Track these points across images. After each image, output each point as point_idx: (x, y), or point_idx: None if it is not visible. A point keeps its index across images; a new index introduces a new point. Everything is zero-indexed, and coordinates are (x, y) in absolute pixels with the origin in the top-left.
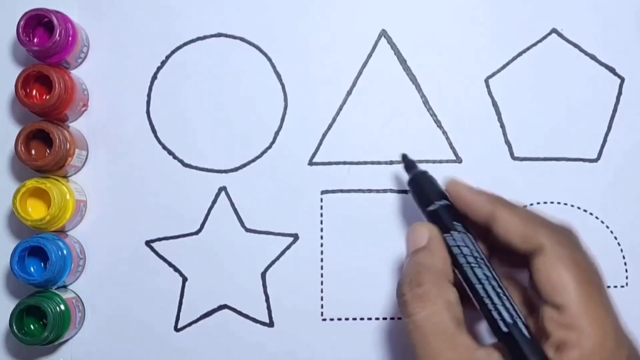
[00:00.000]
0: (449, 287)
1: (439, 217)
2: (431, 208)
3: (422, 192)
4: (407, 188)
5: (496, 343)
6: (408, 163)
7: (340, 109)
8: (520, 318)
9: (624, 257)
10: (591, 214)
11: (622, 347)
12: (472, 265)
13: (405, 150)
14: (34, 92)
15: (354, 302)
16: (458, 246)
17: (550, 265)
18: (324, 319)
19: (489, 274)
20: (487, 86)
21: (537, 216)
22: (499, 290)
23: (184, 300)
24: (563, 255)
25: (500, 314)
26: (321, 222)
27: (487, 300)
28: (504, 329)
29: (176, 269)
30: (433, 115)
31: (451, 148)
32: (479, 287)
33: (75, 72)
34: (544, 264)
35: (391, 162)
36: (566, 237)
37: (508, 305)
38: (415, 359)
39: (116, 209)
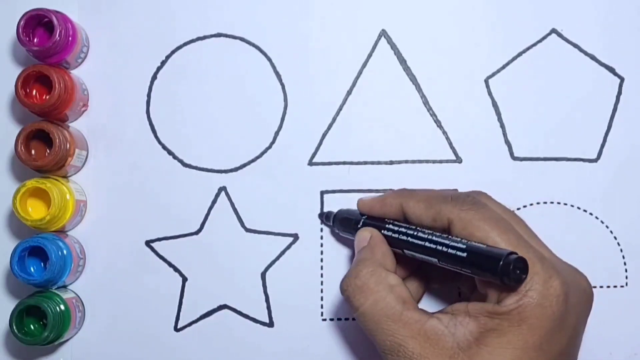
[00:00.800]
0: (388, 273)
1: (369, 226)
2: (359, 225)
3: (346, 221)
4: (409, 187)
5: (445, 309)
6: (324, 216)
7: (340, 109)
8: (466, 241)
9: (623, 257)
10: (591, 214)
11: (553, 277)
12: (412, 234)
13: (405, 151)
14: (34, 92)
15: None
16: (395, 231)
17: (464, 235)
18: (324, 319)
19: (426, 233)
20: (487, 86)
21: (440, 194)
22: (441, 238)
23: (184, 300)
24: (471, 219)
25: (453, 247)
26: (321, 222)
27: (439, 247)
28: (463, 254)
29: (176, 269)
30: (433, 115)
31: (451, 148)
32: (427, 244)
33: (75, 72)
34: (459, 235)
35: (391, 162)
36: (470, 202)
37: (453, 240)
38: (375, 345)
39: (116, 209)
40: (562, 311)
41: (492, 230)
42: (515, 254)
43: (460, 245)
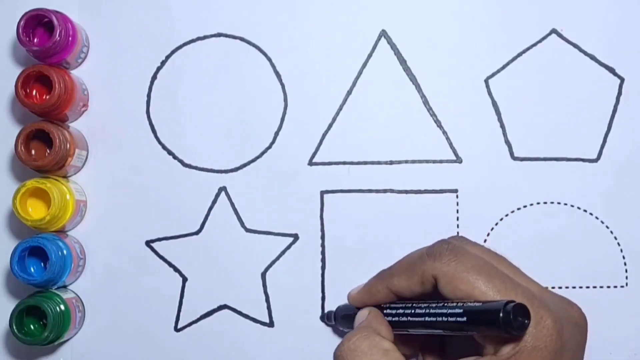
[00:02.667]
0: (382, 339)
1: None
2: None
3: (347, 317)
4: (409, 187)
5: None
6: (325, 317)
7: (340, 109)
8: (462, 304)
9: (623, 257)
10: (591, 214)
11: (544, 317)
12: (409, 313)
13: (405, 151)
14: (34, 92)
15: None
16: (393, 315)
17: (449, 289)
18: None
19: (422, 307)
20: (487, 86)
21: (415, 256)
22: (437, 308)
23: (184, 300)
24: (454, 272)
25: (452, 315)
26: (321, 222)
27: (439, 318)
28: (463, 318)
29: (176, 269)
30: (433, 115)
31: (451, 148)
32: (427, 318)
33: (75, 72)
34: (444, 290)
35: (391, 162)
36: (448, 253)
37: (450, 307)
38: None
39: (116, 209)
40: (557, 348)
41: (477, 279)
42: (512, 302)
43: (457, 310)
